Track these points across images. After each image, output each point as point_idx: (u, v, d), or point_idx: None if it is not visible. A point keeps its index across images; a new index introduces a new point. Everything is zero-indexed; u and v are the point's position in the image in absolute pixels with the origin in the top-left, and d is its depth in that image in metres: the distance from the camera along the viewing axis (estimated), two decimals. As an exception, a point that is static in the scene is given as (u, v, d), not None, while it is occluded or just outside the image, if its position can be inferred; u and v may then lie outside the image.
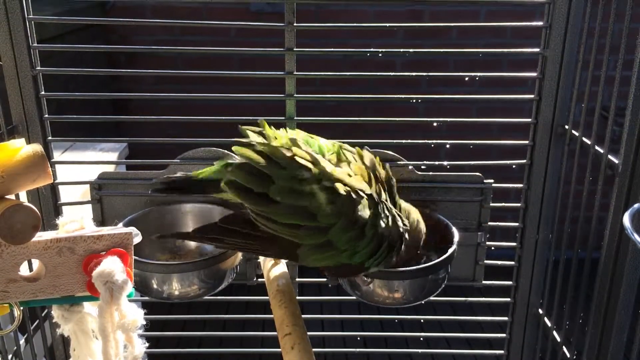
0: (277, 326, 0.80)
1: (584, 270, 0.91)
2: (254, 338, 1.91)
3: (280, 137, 0.80)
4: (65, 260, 0.59)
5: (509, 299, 1.14)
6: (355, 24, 1.02)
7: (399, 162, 1.02)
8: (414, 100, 1.03)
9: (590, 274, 0.91)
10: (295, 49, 0.99)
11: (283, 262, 0.91)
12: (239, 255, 0.92)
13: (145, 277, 0.89)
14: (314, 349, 0.76)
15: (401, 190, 0.91)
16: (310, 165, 0.75)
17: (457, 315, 1.18)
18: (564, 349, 0.99)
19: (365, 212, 0.74)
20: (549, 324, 1.06)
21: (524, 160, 1.05)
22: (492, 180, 1.05)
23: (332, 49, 1.03)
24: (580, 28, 0.95)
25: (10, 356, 0.99)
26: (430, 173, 1.03)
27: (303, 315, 0.81)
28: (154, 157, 1.07)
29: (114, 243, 0.60)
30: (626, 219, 0.69)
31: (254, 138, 0.80)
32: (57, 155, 1.19)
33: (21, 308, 0.61)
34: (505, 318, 1.16)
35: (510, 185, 1.08)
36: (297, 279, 1.11)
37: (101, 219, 1.06)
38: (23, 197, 1.00)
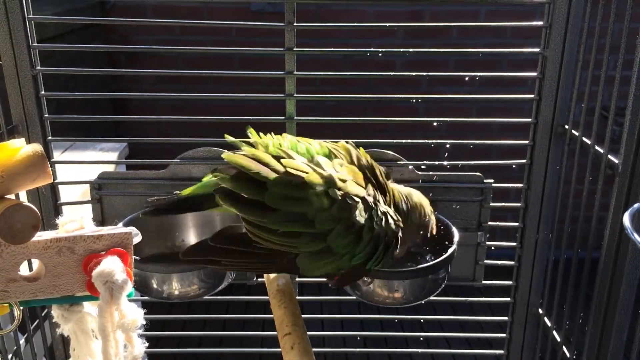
0: (277, 326, 0.80)
1: (584, 270, 0.91)
2: (253, 338, 1.91)
3: (269, 144, 0.80)
4: (65, 260, 0.59)
5: (509, 299, 1.14)
6: (355, 24, 1.02)
7: (399, 162, 1.02)
8: (414, 100, 1.03)
9: (590, 273, 0.91)
10: (295, 49, 0.99)
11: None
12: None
13: (145, 277, 0.89)
14: (313, 349, 0.76)
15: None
16: (302, 172, 0.74)
17: (457, 315, 1.18)
18: (564, 348, 0.99)
19: (361, 215, 0.74)
20: (549, 323, 1.06)
21: (524, 160, 1.05)
22: (492, 180, 1.05)
23: (332, 49, 1.03)
24: (580, 28, 0.95)
25: (10, 356, 0.99)
26: (430, 173, 1.03)
27: (303, 315, 0.81)
28: (154, 156, 1.07)
29: (113, 243, 0.60)
30: (626, 219, 0.69)
31: (245, 148, 0.80)
32: (57, 155, 1.19)
33: (21, 308, 0.61)
34: (505, 318, 1.16)
35: (510, 185, 1.08)
36: (297, 279, 1.11)
37: (101, 219, 1.06)
38: (23, 197, 1.01)
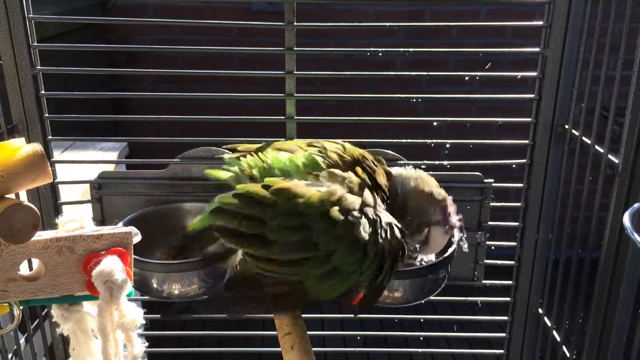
0: (277, 325, 0.80)
1: (584, 270, 0.91)
2: (254, 337, 1.92)
3: (255, 165, 0.78)
4: (65, 260, 0.59)
5: (508, 299, 1.14)
6: (355, 24, 1.02)
7: (399, 162, 1.02)
8: (414, 100, 1.03)
9: (590, 273, 0.91)
10: (295, 49, 0.99)
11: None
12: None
13: (145, 277, 0.89)
14: (313, 348, 0.76)
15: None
16: (299, 198, 0.72)
17: (457, 314, 1.18)
18: (564, 348, 0.99)
19: (365, 232, 0.72)
20: (548, 323, 1.06)
21: (524, 160, 1.06)
22: (492, 180, 1.05)
23: (332, 49, 1.03)
24: (580, 28, 0.95)
25: (10, 355, 0.99)
26: (430, 173, 1.03)
27: (303, 315, 0.81)
28: (153, 156, 1.07)
29: (113, 242, 0.60)
30: (626, 219, 0.69)
31: (231, 174, 0.79)
32: (57, 155, 1.19)
33: (21, 307, 0.61)
34: (505, 317, 1.16)
35: (510, 184, 1.08)
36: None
37: (101, 219, 1.06)
38: (23, 197, 1.01)
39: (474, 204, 1.05)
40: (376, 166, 0.82)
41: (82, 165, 1.12)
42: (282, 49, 0.99)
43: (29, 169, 0.54)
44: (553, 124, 1.01)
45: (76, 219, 0.61)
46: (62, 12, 2.23)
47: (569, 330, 0.98)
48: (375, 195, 0.77)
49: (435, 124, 1.04)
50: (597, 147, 0.90)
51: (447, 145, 1.03)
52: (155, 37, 2.84)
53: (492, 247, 1.10)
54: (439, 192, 0.82)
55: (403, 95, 1.03)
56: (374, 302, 0.81)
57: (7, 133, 0.95)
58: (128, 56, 2.89)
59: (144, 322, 0.61)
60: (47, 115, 1.01)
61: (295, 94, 1.02)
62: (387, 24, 1.00)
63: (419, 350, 1.20)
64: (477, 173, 1.04)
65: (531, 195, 1.06)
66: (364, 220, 0.73)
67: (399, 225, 0.78)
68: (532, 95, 1.02)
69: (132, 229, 0.62)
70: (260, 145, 0.88)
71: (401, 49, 1.02)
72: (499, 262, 1.11)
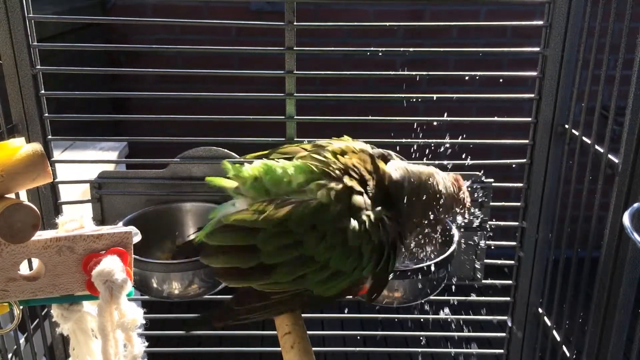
0: (277, 325, 0.80)
1: (584, 270, 0.91)
2: (253, 337, 1.92)
3: (247, 176, 0.78)
4: (65, 260, 0.59)
5: (508, 298, 1.14)
6: (355, 23, 1.02)
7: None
8: (414, 100, 1.03)
9: (590, 273, 0.91)
10: (295, 48, 0.99)
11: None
12: None
13: (145, 276, 0.89)
14: (313, 348, 0.76)
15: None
16: (286, 220, 0.72)
17: (457, 314, 1.18)
18: (564, 348, 0.99)
19: (354, 235, 0.73)
20: (548, 323, 1.06)
21: (524, 160, 1.05)
22: (492, 180, 1.05)
23: (332, 48, 1.03)
24: (580, 27, 0.95)
25: (10, 355, 0.99)
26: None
27: (303, 314, 0.81)
28: (153, 156, 1.07)
29: (113, 242, 0.60)
30: (626, 219, 0.69)
31: (230, 183, 0.79)
32: (56, 154, 1.19)
33: (21, 307, 0.61)
34: (505, 317, 1.16)
35: (510, 184, 1.08)
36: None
37: (101, 218, 1.07)
38: (23, 196, 1.01)
39: (474, 204, 1.05)
40: (376, 166, 0.81)
41: (82, 165, 1.12)
42: (282, 48, 0.99)
43: (29, 169, 0.54)
44: (553, 123, 1.01)
45: (76, 219, 0.61)
46: (62, 11, 2.23)
47: (569, 330, 0.98)
48: (367, 197, 0.77)
49: (435, 123, 1.04)
50: (597, 146, 0.90)
51: (447, 145, 1.03)
52: (155, 37, 2.83)
53: (492, 247, 1.10)
54: (445, 182, 0.83)
55: (403, 95, 1.03)
56: (380, 291, 0.82)
57: (7, 133, 0.95)
58: (128, 56, 2.89)
59: (144, 321, 0.61)
60: (47, 115, 1.01)
61: (295, 94, 1.02)
62: (387, 23, 1.00)
63: (419, 350, 1.20)
64: (477, 173, 1.04)
65: (531, 194, 1.06)
66: (353, 224, 0.73)
67: (390, 218, 0.77)
68: (532, 95, 1.02)
69: (132, 228, 0.62)
70: (266, 152, 0.88)
71: (401, 49, 1.02)
72: (499, 261, 1.11)
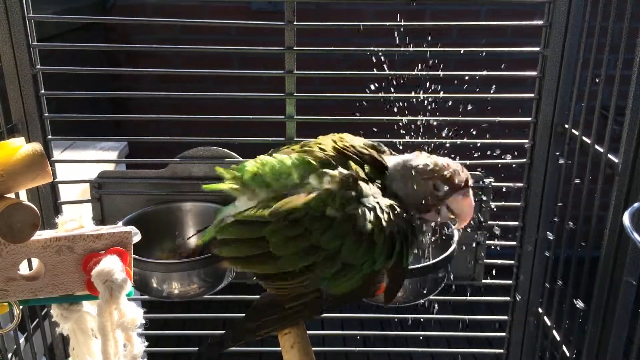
0: (276, 325, 0.80)
1: (584, 269, 0.91)
2: (253, 337, 1.91)
3: (247, 171, 0.79)
4: (65, 259, 0.59)
5: (508, 298, 1.14)
6: (355, 23, 1.02)
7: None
8: (414, 100, 1.03)
9: (590, 273, 0.91)
10: (295, 48, 0.99)
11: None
12: None
13: (145, 276, 0.89)
14: (313, 348, 0.76)
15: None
16: (293, 212, 0.73)
17: (457, 314, 1.18)
18: (564, 347, 0.99)
19: (366, 220, 0.72)
20: (548, 322, 1.06)
21: (524, 160, 1.05)
22: (492, 179, 1.05)
23: (332, 48, 1.03)
24: (580, 27, 0.95)
25: (10, 355, 0.99)
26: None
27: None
28: (153, 155, 1.07)
29: (113, 242, 0.60)
30: (626, 218, 0.69)
31: (229, 185, 0.79)
32: (56, 154, 1.19)
33: (20, 307, 0.61)
34: (505, 317, 1.16)
35: (510, 184, 1.08)
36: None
37: (101, 218, 1.06)
38: (23, 196, 1.00)
39: (474, 204, 1.05)
40: (372, 156, 0.81)
41: (81, 165, 1.12)
42: (282, 48, 0.99)
43: (29, 169, 0.54)
44: (553, 123, 1.01)
45: (76, 219, 0.61)
46: (62, 11, 2.22)
47: (568, 330, 0.97)
48: (371, 185, 0.76)
49: (435, 123, 1.04)
50: (597, 146, 0.90)
51: (447, 145, 1.03)
52: (155, 37, 2.83)
53: (492, 247, 1.10)
54: (436, 164, 0.78)
55: (403, 95, 1.03)
56: (398, 289, 0.80)
57: (6, 132, 0.95)
58: (128, 56, 2.89)
59: (143, 321, 0.61)
60: (46, 114, 1.01)
61: (295, 94, 1.02)
62: (387, 23, 1.00)
63: (419, 349, 1.20)
64: (477, 172, 1.04)
65: (531, 194, 1.06)
66: (362, 210, 0.72)
67: (399, 206, 0.76)
68: (532, 95, 1.02)
69: (131, 228, 0.62)
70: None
71: (401, 49, 1.02)
72: (499, 261, 1.11)
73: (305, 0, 1.37)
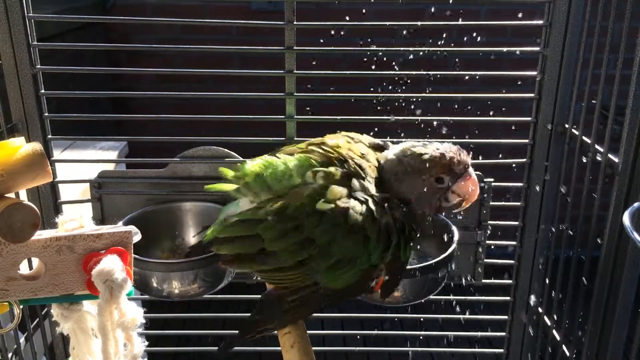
0: (276, 324, 0.80)
1: (584, 269, 0.91)
2: (254, 337, 1.90)
3: (250, 173, 0.79)
4: (65, 259, 0.59)
5: (508, 298, 1.14)
6: (355, 23, 1.02)
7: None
8: (414, 100, 1.03)
9: (589, 272, 0.91)
10: (295, 48, 0.99)
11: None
12: None
13: (145, 276, 0.89)
14: (313, 348, 0.76)
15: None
16: (287, 207, 0.73)
17: (457, 313, 1.18)
18: (564, 347, 0.99)
19: (356, 213, 0.72)
20: (548, 322, 1.06)
21: (524, 159, 1.05)
22: (492, 179, 1.05)
23: (332, 48, 1.03)
24: (580, 27, 0.95)
25: (10, 354, 0.99)
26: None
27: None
28: (153, 155, 1.08)
29: (113, 242, 0.60)
30: (626, 218, 0.69)
31: (230, 185, 0.80)
32: (56, 154, 1.19)
33: (21, 306, 0.61)
34: (505, 317, 1.16)
35: (510, 184, 1.08)
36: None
37: (101, 218, 1.07)
38: (23, 196, 1.01)
39: (474, 204, 1.05)
40: (374, 156, 0.81)
41: (82, 165, 1.12)
42: (282, 48, 0.99)
43: (29, 168, 0.54)
44: (553, 123, 1.01)
45: (76, 218, 0.61)
46: (62, 11, 2.22)
47: (568, 329, 0.98)
48: (366, 182, 0.76)
49: (435, 123, 1.04)
50: (597, 146, 0.90)
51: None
52: (156, 37, 2.83)
53: (492, 247, 1.10)
54: (433, 157, 0.77)
55: (403, 95, 1.03)
56: (395, 284, 0.80)
57: (6, 132, 0.95)
58: (128, 55, 2.89)
59: (143, 321, 0.61)
60: (46, 114, 1.01)
61: (295, 93, 1.02)
62: (387, 23, 1.00)
63: (419, 349, 1.20)
64: (477, 172, 1.04)
65: (531, 194, 1.06)
66: (353, 203, 0.72)
67: (396, 198, 0.76)
68: (532, 95, 1.02)
69: (132, 228, 0.62)
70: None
71: (401, 48, 1.02)
72: (499, 261, 1.11)
73: (305, 0, 1.37)
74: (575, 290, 0.94)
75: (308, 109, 1.04)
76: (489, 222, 1.07)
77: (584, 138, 0.94)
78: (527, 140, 1.04)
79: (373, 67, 1.03)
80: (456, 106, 1.05)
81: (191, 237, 1.03)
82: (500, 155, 1.07)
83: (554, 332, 1.03)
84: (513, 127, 1.05)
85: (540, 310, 1.10)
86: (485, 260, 1.10)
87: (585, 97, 0.92)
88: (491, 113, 1.09)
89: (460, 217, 1.05)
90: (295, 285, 0.76)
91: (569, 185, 0.98)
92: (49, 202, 1.05)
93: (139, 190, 1.05)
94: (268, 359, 1.13)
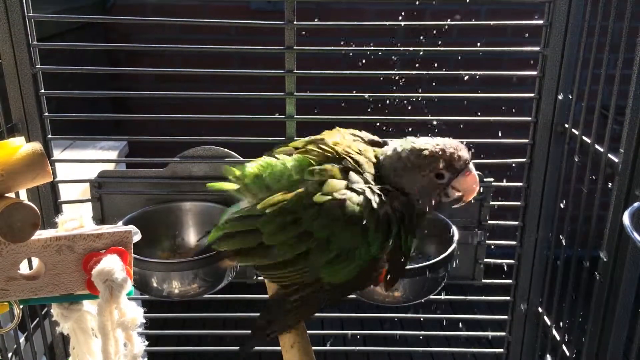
0: (276, 324, 0.80)
1: (584, 269, 0.91)
2: (253, 336, 1.90)
3: (249, 174, 0.79)
4: (65, 259, 0.59)
5: (508, 298, 1.14)
6: (355, 22, 1.02)
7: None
8: (414, 99, 1.03)
9: (589, 272, 0.91)
10: (295, 48, 0.99)
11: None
12: None
13: (145, 276, 0.89)
14: (313, 348, 0.76)
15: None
16: (286, 202, 0.74)
17: (457, 313, 1.18)
18: (564, 347, 0.99)
19: (354, 204, 0.71)
20: (548, 322, 1.06)
21: (524, 159, 1.05)
22: (492, 179, 1.05)
23: (332, 48, 1.03)
24: (580, 27, 0.95)
25: (10, 354, 0.99)
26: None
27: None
28: (153, 155, 1.07)
29: (113, 241, 0.60)
30: (626, 218, 0.69)
31: (231, 185, 0.80)
32: (56, 154, 1.19)
33: (21, 306, 0.61)
34: (505, 317, 1.16)
35: (510, 184, 1.08)
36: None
37: (101, 217, 1.07)
38: (23, 196, 1.00)
39: (474, 203, 1.05)
40: (373, 153, 0.81)
41: (82, 164, 1.12)
42: (282, 48, 0.99)
43: (29, 168, 0.54)
44: (553, 123, 1.01)
45: (76, 218, 0.61)
46: (62, 11, 2.22)
47: (568, 329, 0.98)
48: (364, 175, 0.76)
49: (435, 123, 1.04)
50: (597, 146, 0.90)
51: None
52: (155, 36, 2.83)
53: (492, 246, 1.10)
54: (432, 149, 0.77)
55: (403, 95, 1.03)
56: (399, 275, 0.79)
57: (6, 132, 0.95)
58: (128, 55, 2.89)
59: (143, 321, 0.61)
60: (46, 114, 1.01)
61: (295, 93, 1.02)
62: (387, 22, 1.00)
63: (419, 349, 1.20)
64: (477, 172, 1.04)
65: (531, 194, 1.06)
66: (350, 194, 0.72)
67: (396, 189, 0.76)
68: (532, 95, 1.02)
69: (132, 227, 0.62)
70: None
71: (401, 48, 1.02)
72: (499, 261, 1.11)
73: (305, 0, 1.37)
74: (576, 290, 0.95)
75: (316, 110, 1.04)
76: (489, 222, 1.07)
77: (584, 138, 0.94)
78: (527, 140, 1.04)
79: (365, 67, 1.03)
80: (456, 106, 1.05)
81: (191, 237, 1.03)
82: (500, 155, 1.07)
83: (554, 331, 1.03)
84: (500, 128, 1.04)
85: (540, 310, 1.10)
86: (485, 260, 1.10)
87: (585, 97, 0.92)
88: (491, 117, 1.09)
89: (461, 219, 1.05)
90: (296, 283, 0.76)
91: (568, 186, 0.98)
92: (49, 202, 1.05)
93: (139, 190, 1.05)
94: (268, 359, 1.12)
